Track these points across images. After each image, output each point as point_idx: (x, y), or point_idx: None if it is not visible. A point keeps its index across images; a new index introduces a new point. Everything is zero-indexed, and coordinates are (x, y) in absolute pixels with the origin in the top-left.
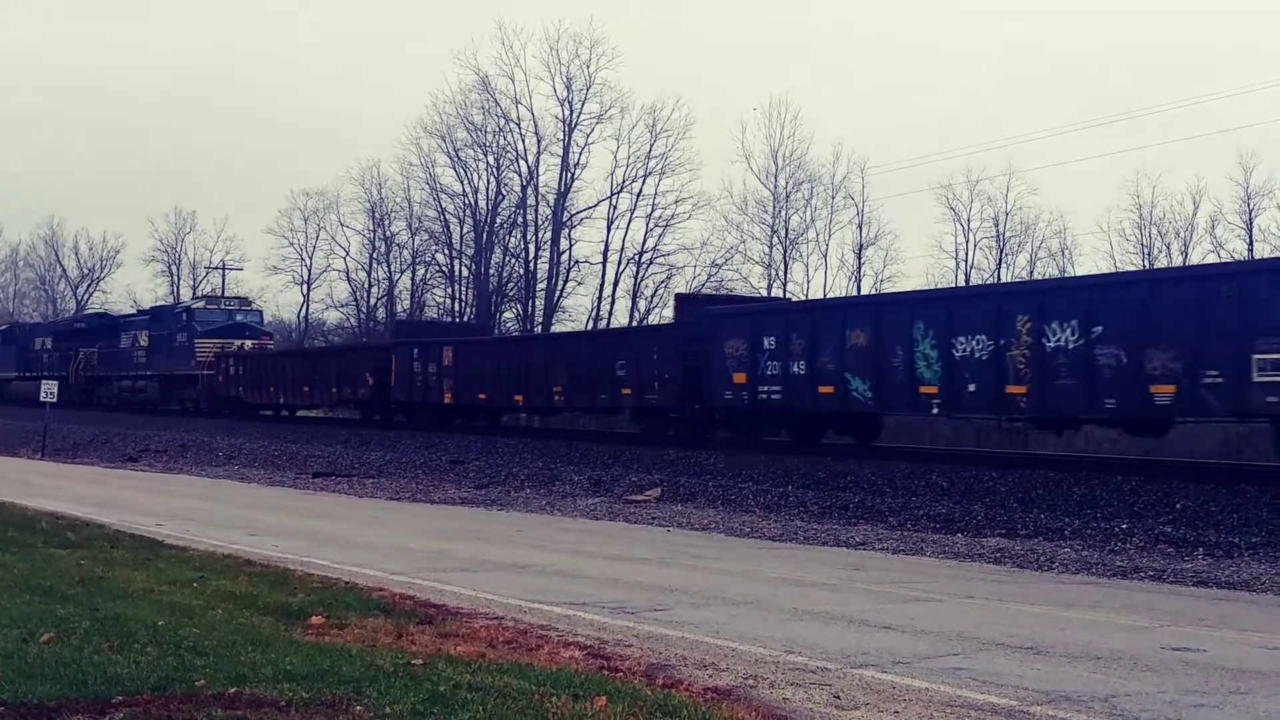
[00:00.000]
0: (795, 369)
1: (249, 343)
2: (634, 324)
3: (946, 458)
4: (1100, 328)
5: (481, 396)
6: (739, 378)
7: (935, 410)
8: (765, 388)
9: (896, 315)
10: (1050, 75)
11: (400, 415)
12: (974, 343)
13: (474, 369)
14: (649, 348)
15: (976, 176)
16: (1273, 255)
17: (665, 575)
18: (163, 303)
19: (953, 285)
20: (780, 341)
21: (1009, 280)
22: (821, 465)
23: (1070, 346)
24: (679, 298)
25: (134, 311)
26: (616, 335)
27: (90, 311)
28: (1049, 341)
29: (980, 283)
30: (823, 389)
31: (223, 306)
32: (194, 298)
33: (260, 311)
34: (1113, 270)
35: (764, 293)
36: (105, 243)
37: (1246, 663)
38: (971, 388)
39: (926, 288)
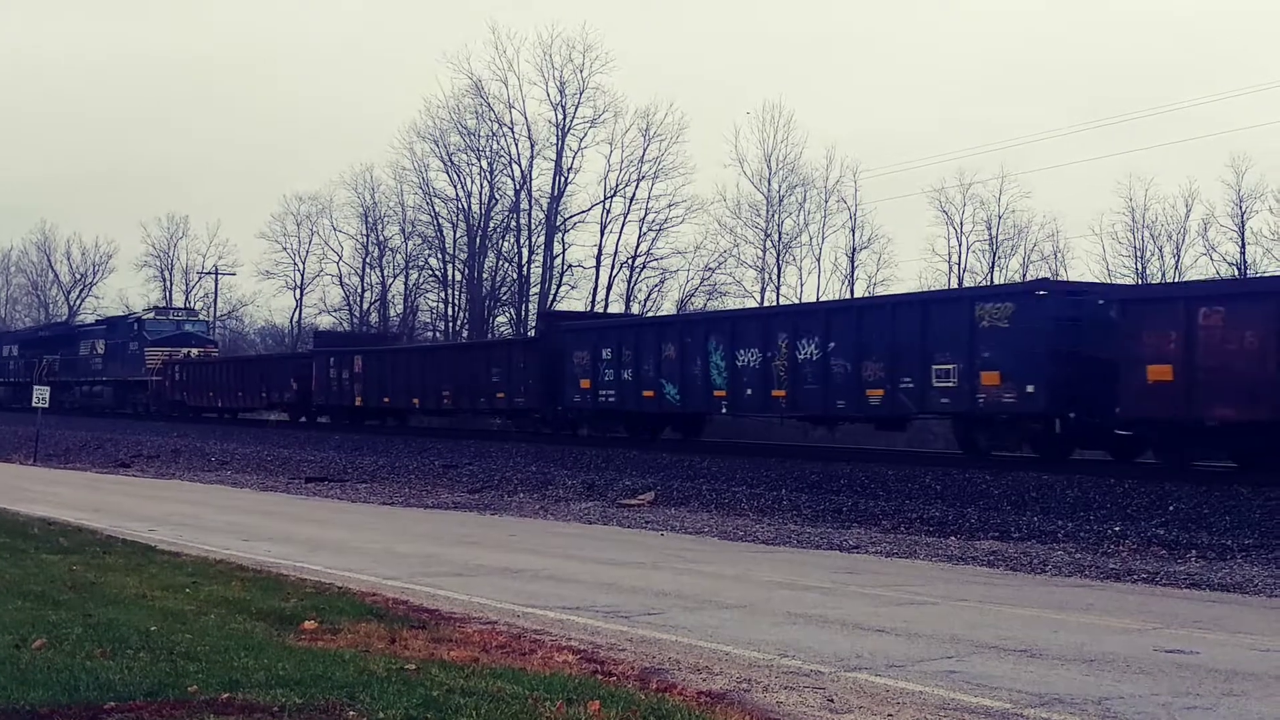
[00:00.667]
0: (625, 376)
1: (195, 351)
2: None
3: (939, 461)
4: (833, 343)
5: (386, 400)
6: (585, 383)
7: (724, 410)
8: (604, 392)
9: (696, 332)
10: (1043, 79)
11: (323, 416)
12: (750, 355)
13: (380, 376)
14: (518, 358)
15: (969, 180)
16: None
17: (659, 579)
18: (117, 313)
19: (742, 307)
20: (614, 353)
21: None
22: (814, 469)
23: (814, 358)
24: (541, 314)
25: (93, 321)
26: (491, 346)
27: (54, 321)
28: (800, 354)
29: (757, 306)
30: (645, 393)
31: (171, 317)
32: (145, 309)
33: (206, 322)
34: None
35: (757, 296)
36: (98, 248)
37: (1240, 665)
38: (749, 391)
39: (721, 309)
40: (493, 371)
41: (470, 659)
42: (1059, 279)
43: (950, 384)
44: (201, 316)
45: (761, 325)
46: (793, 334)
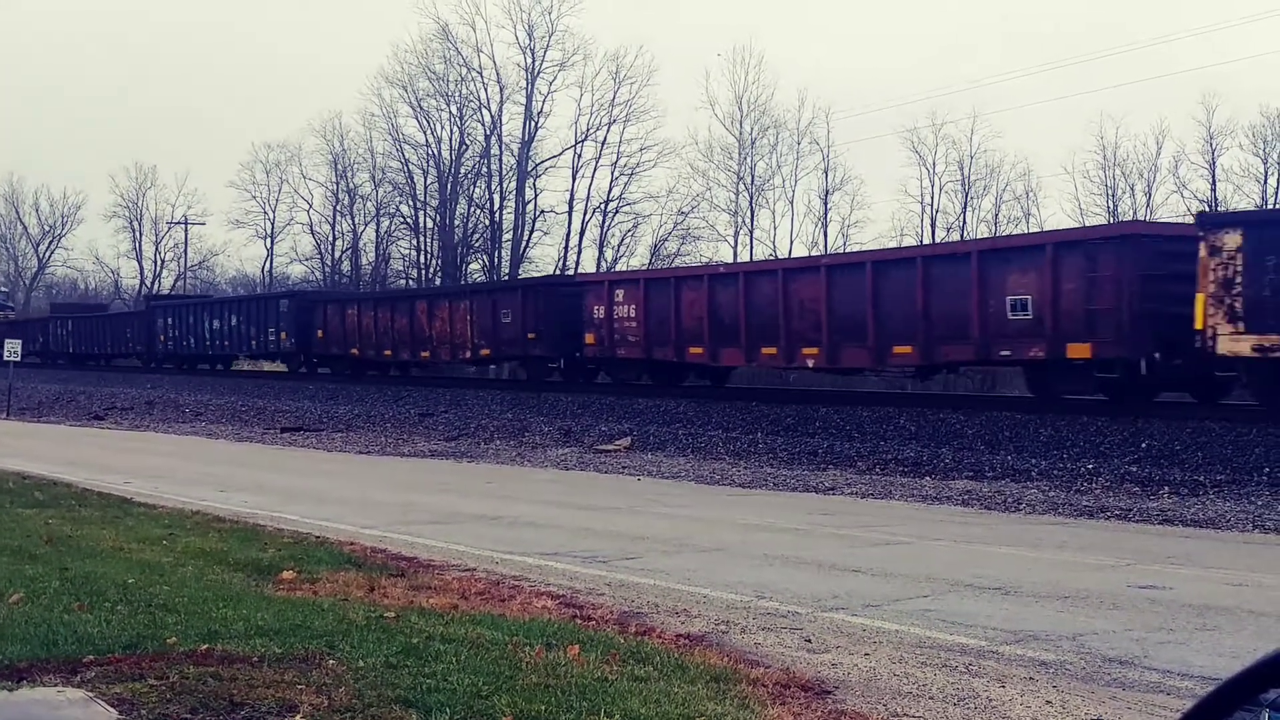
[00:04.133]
0: (178, 331)
1: None
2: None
3: (914, 402)
4: (243, 317)
5: (83, 349)
6: (163, 338)
7: (210, 352)
8: (170, 342)
9: (199, 309)
10: (1014, 16)
11: (60, 359)
12: (215, 322)
13: (80, 333)
14: (138, 323)
15: (941, 120)
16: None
17: (636, 524)
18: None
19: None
20: (175, 319)
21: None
22: (790, 412)
23: (235, 324)
24: (146, 297)
25: None
26: (127, 315)
27: None
28: (232, 322)
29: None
30: (184, 342)
31: None
32: None
33: (5, 291)
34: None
35: (731, 242)
36: (66, 199)
37: (1212, 599)
38: (218, 343)
39: (207, 296)
40: (128, 331)
41: (449, 606)
42: (311, 288)
43: (274, 339)
44: (1, 288)
45: (221, 307)
46: (234, 312)
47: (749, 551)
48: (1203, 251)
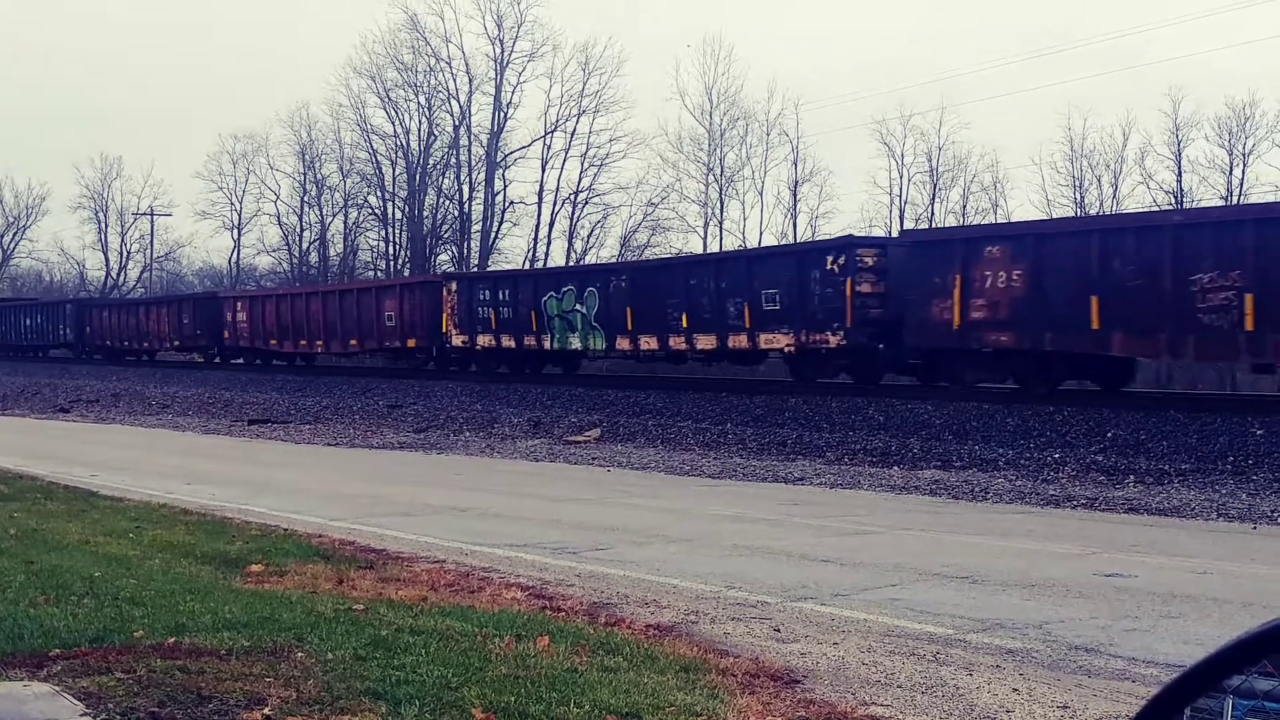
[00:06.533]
0: (4, 327)
1: None
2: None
3: (882, 392)
4: (41, 317)
5: None
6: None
7: (25, 343)
8: (24, 340)
9: (18, 309)
10: (983, 8)
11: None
12: (30, 321)
13: None
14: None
15: (910, 111)
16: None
17: (606, 515)
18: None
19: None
20: (28, 315)
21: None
22: (759, 402)
23: (34, 323)
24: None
25: None
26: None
27: None
28: (35, 321)
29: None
30: (8, 335)
31: None
32: None
33: None
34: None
35: (700, 233)
36: (30, 190)
37: (1177, 587)
38: (30, 335)
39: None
40: (25, 323)
41: (418, 598)
42: (86, 296)
43: (63, 333)
44: None
45: (31, 309)
46: (39, 313)
47: (718, 542)
48: (444, 292)
